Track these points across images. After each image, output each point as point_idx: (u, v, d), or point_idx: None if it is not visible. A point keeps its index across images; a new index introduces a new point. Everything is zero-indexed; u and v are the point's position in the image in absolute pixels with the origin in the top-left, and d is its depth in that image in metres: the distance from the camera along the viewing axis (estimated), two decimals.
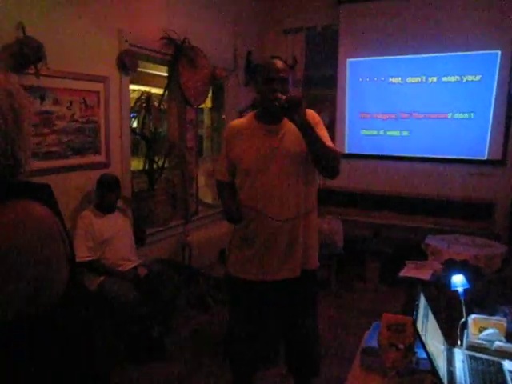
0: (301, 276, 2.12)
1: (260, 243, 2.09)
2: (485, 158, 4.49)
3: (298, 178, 2.07)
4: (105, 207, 3.06)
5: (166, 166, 3.83)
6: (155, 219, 3.68)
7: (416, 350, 1.48)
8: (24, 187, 0.92)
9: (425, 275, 3.41)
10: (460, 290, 1.64)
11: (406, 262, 3.57)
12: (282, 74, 1.99)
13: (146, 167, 3.70)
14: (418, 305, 1.49)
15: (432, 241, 3.95)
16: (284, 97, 1.88)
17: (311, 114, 2.09)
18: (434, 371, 1.34)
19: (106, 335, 2.91)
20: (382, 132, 4.86)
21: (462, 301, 1.63)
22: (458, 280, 1.66)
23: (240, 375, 2.45)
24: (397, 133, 4.78)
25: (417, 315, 1.42)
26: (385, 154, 4.85)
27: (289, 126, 2.00)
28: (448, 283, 3.18)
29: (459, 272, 2.78)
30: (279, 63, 2.03)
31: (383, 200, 4.84)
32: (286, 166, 2.05)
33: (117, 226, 3.09)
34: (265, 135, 2.08)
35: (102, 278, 2.91)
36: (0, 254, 0.79)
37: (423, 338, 1.37)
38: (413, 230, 4.55)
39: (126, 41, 3.25)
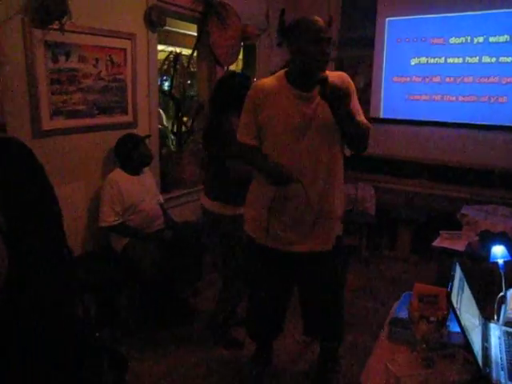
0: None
1: (290, 211, 1.98)
2: None
3: (330, 152, 1.95)
4: (133, 168, 3.00)
5: (194, 127, 3.75)
6: (183, 181, 3.64)
7: (448, 323, 1.40)
8: None
9: (459, 246, 3.27)
10: (500, 262, 1.52)
11: (441, 231, 3.43)
12: (327, 34, 1.85)
13: (175, 129, 3.64)
14: (453, 276, 1.39)
15: (469, 211, 3.77)
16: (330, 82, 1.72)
17: (347, 81, 1.94)
18: (467, 346, 1.25)
19: (132, 298, 2.92)
20: (420, 96, 4.61)
21: (502, 273, 1.52)
22: (499, 251, 1.53)
23: (261, 342, 2.45)
24: (437, 97, 4.52)
25: (452, 287, 1.32)
26: (422, 119, 4.61)
27: None
28: (485, 254, 3.08)
29: (497, 243, 2.63)
30: (321, 21, 1.86)
31: (418, 167, 4.63)
32: (320, 137, 1.91)
33: (145, 188, 3.03)
34: (297, 101, 1.92)
35: (126, 240, 2.90)
36: None
37: (458, 311, 1.28)
38: (447, 200, 4.36)
39: None
